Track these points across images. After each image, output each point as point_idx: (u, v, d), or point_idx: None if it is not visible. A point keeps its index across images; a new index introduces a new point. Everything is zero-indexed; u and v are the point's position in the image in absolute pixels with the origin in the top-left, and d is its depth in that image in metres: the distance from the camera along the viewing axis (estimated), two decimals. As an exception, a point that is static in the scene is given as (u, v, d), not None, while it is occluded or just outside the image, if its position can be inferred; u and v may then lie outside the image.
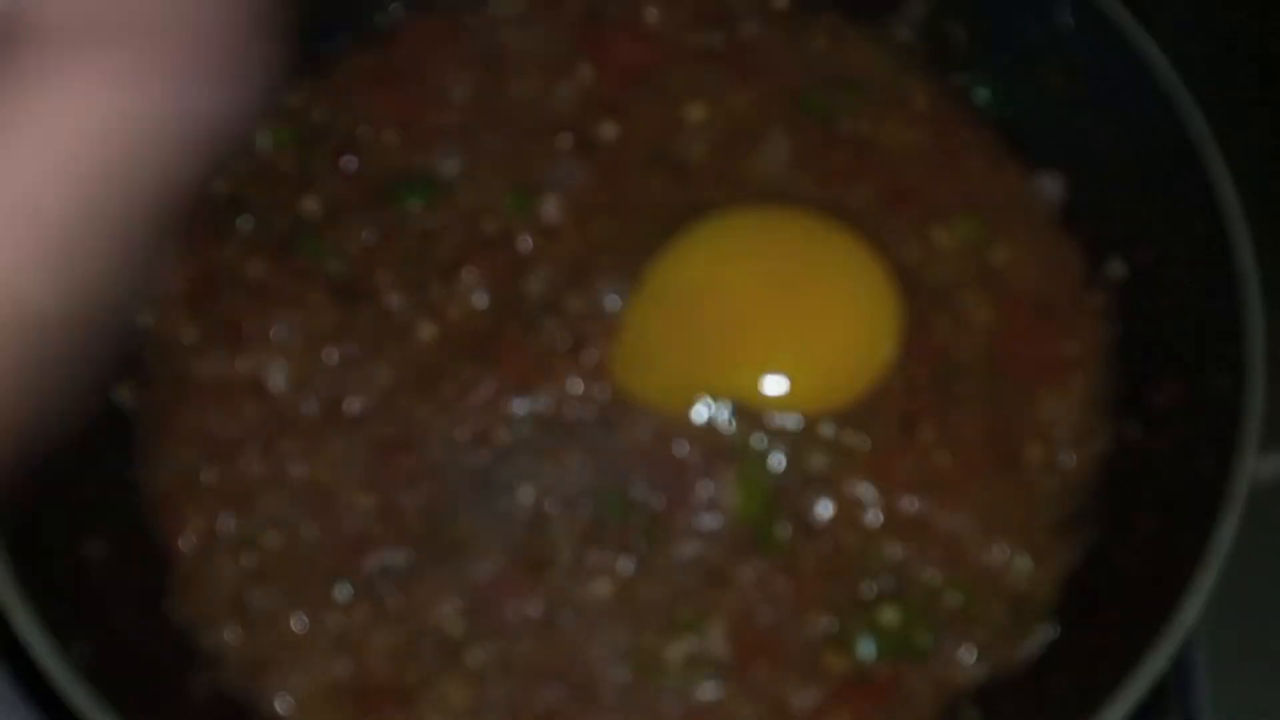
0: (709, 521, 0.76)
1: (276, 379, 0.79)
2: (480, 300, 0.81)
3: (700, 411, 0.77)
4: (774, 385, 0.78)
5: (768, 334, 0.80)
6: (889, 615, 0.74)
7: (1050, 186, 0.87)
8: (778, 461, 0.77)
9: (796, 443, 0.78)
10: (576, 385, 0.79)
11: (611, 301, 0.81)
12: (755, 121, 0.88)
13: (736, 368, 0.78)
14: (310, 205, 0.85)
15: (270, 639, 0.73)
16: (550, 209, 0.85)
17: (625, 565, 0.74)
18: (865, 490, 0.77)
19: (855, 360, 0.80)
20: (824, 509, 0.77)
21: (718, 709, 0.73)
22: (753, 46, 0.91)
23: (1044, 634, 0.76)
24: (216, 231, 0.84)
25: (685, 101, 0.89)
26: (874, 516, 0.77)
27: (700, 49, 0.91)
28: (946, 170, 0.87)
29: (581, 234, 0.84)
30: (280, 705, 0.72)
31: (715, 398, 0.77)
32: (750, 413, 0.77)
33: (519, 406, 0.78)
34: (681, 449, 0.76)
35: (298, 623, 0.74)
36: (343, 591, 0.74)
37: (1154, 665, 0.66)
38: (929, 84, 0.90)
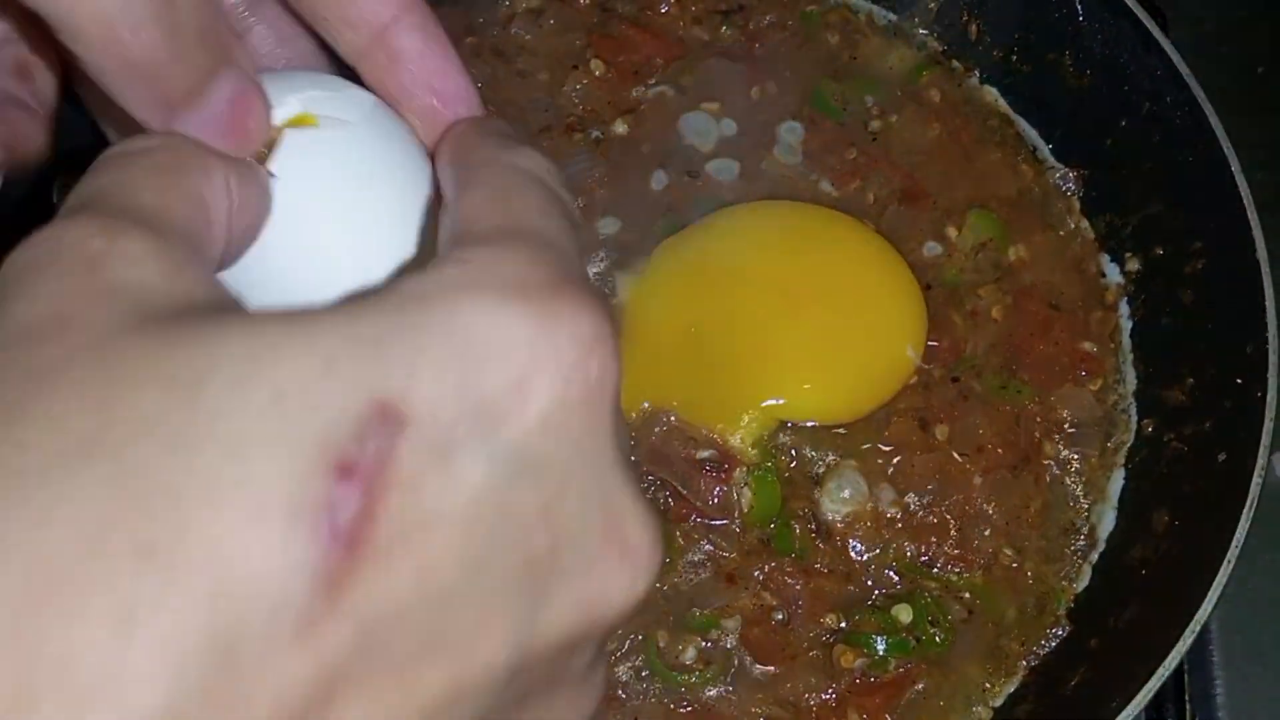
0: (722, 522, 0.75)
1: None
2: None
3: (714, 413, 0.77)
4: (794, 402, 0.77)
5: (790, 345, 0.78)
6: (902, 614, 0.74)
7: (1066, 182, 0.87)
8: (791, 462, 0.77)
9: (810, 443, 0.77)
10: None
11: (622, 299, 0.81)
12: (768, 117, 0.88)
13: (754, 379, 0.77)
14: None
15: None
16: (562, 206, 0.84)
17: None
18: (879, 490, 0.77)
19: (880, 372, 0.79)
20: (837, 509, 0.76)
21: (730, 707, 0.73)
22: (765, 41, 0.91)
23: (1058, 632, 0.76)
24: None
25: (697, 97, 0.89)
26: (888, 516, 0.76)
27: (712, 44, 0.91)
28: (961, 167, 0.87)
29: (592, 231, 0.84)
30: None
31: (730, 404, 0.77)
32: (765, 416, 0.77)
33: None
34: (693, 449, 0.76)
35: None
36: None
37: (1168, 663, 0.66)
38: (943, 79, 0.90)
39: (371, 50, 0.41)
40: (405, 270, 0.39)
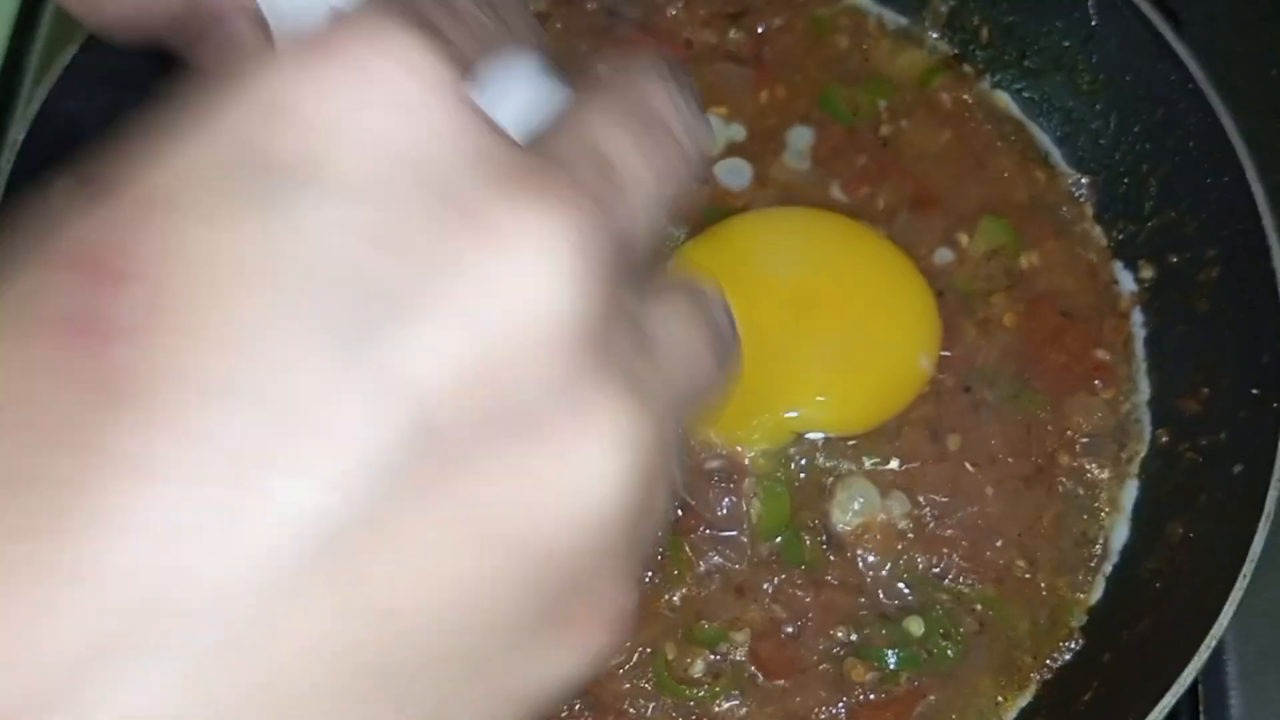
0: (731, 534, 0.75)
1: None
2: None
3: (724, 423, 0.76)
4: (807, 414, 0.76)
5: (803, 356, 0.77)
6: (913, 627, 0.73)
7: (1079, 189, 0.86)
8: (801, 473, 0.76)
9: (820, 454, 0.77)
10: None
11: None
12: (777, 122, 0.87)
13: (766, 391, 0.76)
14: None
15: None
16: (569, 212, 0.83)
17: (646, 578, 0.74)
18: (890, 502, 0.76)
19: (893, 382, 0.78)
20: (848, 521, 0.76)
21: (740, 721, 0.72)
22: (774, 45, 0.90)
23: (1071, 645, 0.75)
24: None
25: (705, 102, 0.88)
26: (899, 528, 0.76)
27: (720, 48, 0.90)
28: (973, 173, 0.86)
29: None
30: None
31: (740, 414, 0.76)
32: (776, 428, 0.76)
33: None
34: (702, 460, 0.75)
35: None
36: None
37: (1183, 678, 0.65)
38: (954, 84, 0.89)
39: None
40: None
